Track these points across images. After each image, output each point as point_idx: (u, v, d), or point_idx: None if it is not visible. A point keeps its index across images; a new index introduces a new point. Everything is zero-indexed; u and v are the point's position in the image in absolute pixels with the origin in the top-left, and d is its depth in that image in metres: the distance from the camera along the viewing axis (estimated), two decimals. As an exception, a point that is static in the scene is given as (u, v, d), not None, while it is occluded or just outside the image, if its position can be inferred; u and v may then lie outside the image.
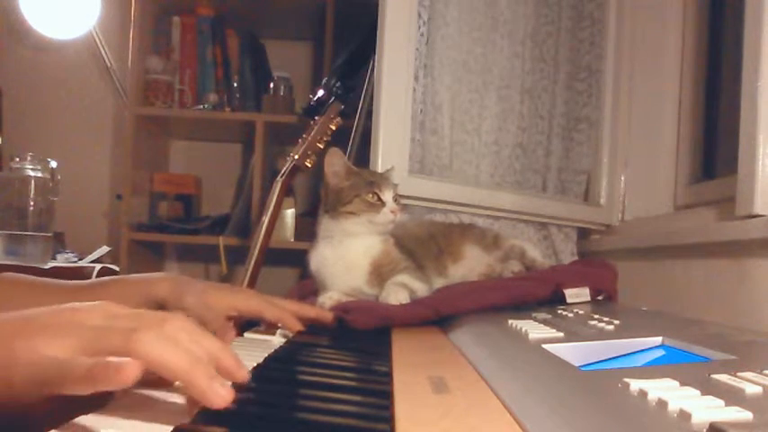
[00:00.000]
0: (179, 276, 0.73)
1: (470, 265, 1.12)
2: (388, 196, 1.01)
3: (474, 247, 1.13)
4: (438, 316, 0.81)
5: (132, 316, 0.40)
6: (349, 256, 0.99)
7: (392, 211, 1.00)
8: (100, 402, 0.37)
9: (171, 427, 0.34)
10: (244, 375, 0.42)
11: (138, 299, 0.68)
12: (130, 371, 0.34)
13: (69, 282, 0.72)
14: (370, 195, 1.00)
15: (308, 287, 1.09)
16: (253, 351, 0.64)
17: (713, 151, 1.42)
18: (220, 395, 0.36)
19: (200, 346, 0.39)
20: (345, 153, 1.55)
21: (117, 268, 1.87)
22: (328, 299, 0.94)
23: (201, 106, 2.07)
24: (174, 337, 0.38)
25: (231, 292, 0.73)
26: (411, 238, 1.08)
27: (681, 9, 1.49)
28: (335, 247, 1.00)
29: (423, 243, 1.10)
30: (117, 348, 0.36)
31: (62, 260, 1.83)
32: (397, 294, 0.90)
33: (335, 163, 1.02)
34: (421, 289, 0.96)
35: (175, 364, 0.36)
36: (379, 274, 0.98)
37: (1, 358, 0.36)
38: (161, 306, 0.68)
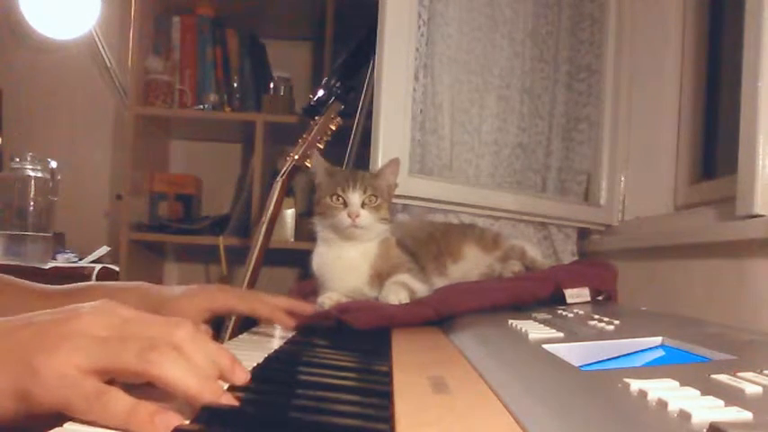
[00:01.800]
0: (149, 286, 0.73)
1: (470, 265, 1.12)
2: (353, 198, 0.94)
3: (474, 248, 1.13)
4: (438, 316, 0.81)
5: (141, 324, 0.39)
6: (348, 259, 0.98)
7: (350, 215, 0.93)
8: None
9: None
10: (242, 377, 0.42)
11: None
12: (174, 424, 0.34)
13: (48, 287, 0.72)
14: (333, 198, 0.95)
15: (308, 287, 1.09)
16: (252, 351, 0.64)
17: (713, 151, 1.41)
18: None
19: (205, 354, 0.40)
20: (346, 153, 1.56)
21: (117, 268, 1.88)
22: (327, 299, 0.94)
23: (201, 106, 2.07)
24: (183, 349, 0.38)
25: (203, 294, 0.72)
26: (411, 239, 1.08)
27: (681, 9, 1.48)
28: (334, 249, 0.99)
29: (423, 243, 1.10)
30: (131, 368, 0.36)
31: (62, 260, 1.83)
32: (397, 294, 0.90)
33: (315, 164, 1.02)
34: (421, 290, 0.96)
35: (186, 384, 0.36)
36: (380, 276, 0.97)
37: (22, 374, 0.35)
38: None
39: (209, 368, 0.39)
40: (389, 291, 0.91)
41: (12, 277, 0.73)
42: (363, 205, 0.95)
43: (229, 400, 0.38)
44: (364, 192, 0.96)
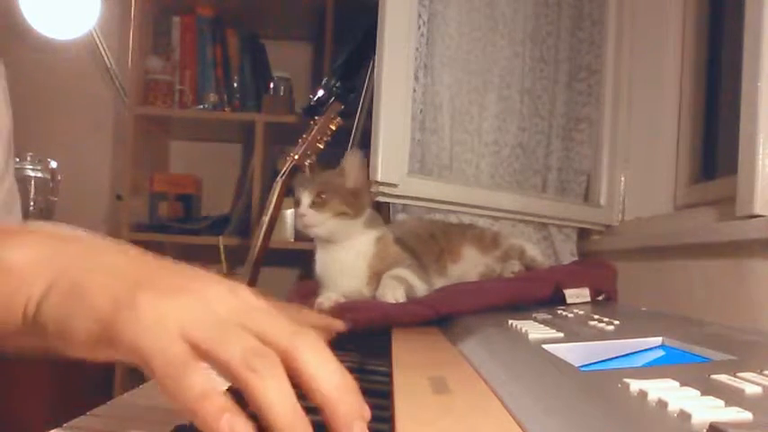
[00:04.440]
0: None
1: (469, 265, 1.12)
2: (303, 199, 0.98)
3: (473, 248, 1.13)
4: (438, 316, 0.81)
5: (268, 318, 0.34)
6: (344, 261, 0.99)
7: (299, 215, 0.97)
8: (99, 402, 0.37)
9: (171, 427, 0.34)
10: (367, 415, 0.34)
11: None
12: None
13: None
14: (295, 202, 1.00)
15: (307, 287, 1.09)
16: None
17: (713, 151, 1.41)
18: None
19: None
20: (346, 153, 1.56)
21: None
22: (326, 299, 0.94)
23: (201, 106, 2.07)
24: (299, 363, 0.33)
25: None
26: (413, 238, 1.08)
27: (681, 9, 1.48)
28: (330, 252, 1.00)
29: (424, 243, 1.10)
30: (229, 364, 0.31)
31: (62, 260, 1.82)
32: (393, 292, 0.89)
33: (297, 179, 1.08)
34: (419, 287, 0.95)
35: (277, 413, 0.31)
36: (379, 275, 0.97)
37: (122, 302, 0.32)
38: None
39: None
40: (386, 287, 0.90)
41: None
42: (313, 204, 0.97)
43: None
44: (313, 191, 0.98)
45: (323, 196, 0.98)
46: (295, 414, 0.31)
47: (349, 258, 0.98)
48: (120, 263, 0.35)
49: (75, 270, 0.34)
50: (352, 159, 1.04)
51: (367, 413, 0.34)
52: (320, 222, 0.97)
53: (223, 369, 0.32)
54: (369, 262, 0.98)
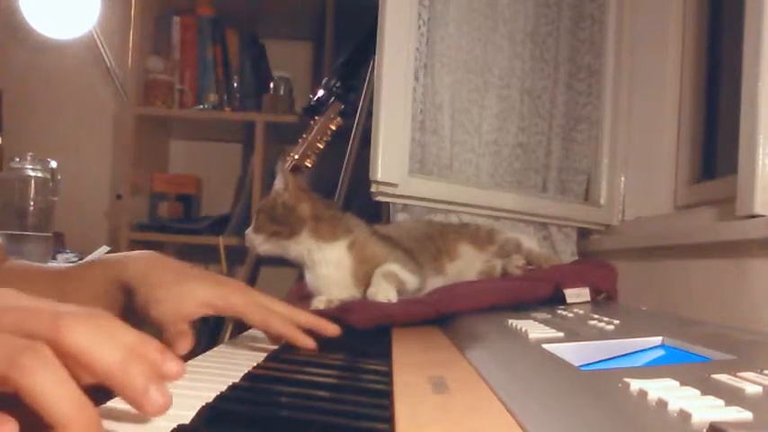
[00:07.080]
0: (157, 258, 0.63)
1: (467, 262, 1.12)
2: (252, 220, 1.02)
3: (469, 245, 1.13)
4: (438, 315, 0.81)
5: (23, 317, 0.31)
6: (327, 275, 0.98)
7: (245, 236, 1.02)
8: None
9: (171, 427, 0.34)
10: (176, 371, 0.33)
11: (106, 285, 0.61)
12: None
13: (56, 267, 0.69)
14: None
15: (306, 289, 1.08)
16: (252, 351, 0.64)
17: (713, 151, 1.41)
18: (155, 403, 0.30)
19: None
20: (346, 153, 1.55)
21: (117, 268, 1.87)
22: (319, 302, 0.94)
23: (201, 106, 2.07)
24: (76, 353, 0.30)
25: (210, 284, 0.62)
26: (410, 238, 1.08)
27: (681, 9, 1.48)
28: (310, 270, 0.99)
29: (421, 243, 1.10)
30: (2, 378, 0.28)
31: (62, 260, 1.83)
32: (386, 293, 0.89)
33: None
34: (411, 280, 0.95)
35: (55, 405, 0.27)
36: (367, 276, 0.96)
37: None
38: (130, 292, 0.60)
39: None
40: (378, 288, 0.90)
41: (26, 262, 0.70)
42: (255, 225, 1.00)
43: (165, 395, 0.31)
44: (256, 212, 1.02)
45: (261, 217, 0.99)
46: (78, 402, 0.28)
47: (330, 273, 0.97)
48: None
49: None
50: (280, 175, 1.01)
51: (170, 369, 0.32)
52: (259, 243, 0.99)
53: None
54: (351, 271, 0.97)
